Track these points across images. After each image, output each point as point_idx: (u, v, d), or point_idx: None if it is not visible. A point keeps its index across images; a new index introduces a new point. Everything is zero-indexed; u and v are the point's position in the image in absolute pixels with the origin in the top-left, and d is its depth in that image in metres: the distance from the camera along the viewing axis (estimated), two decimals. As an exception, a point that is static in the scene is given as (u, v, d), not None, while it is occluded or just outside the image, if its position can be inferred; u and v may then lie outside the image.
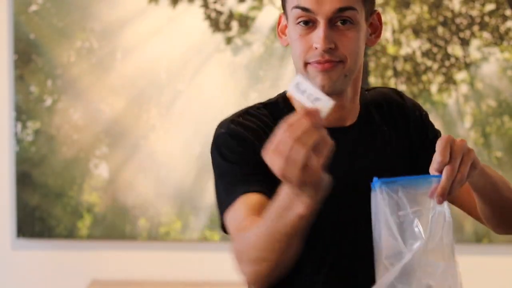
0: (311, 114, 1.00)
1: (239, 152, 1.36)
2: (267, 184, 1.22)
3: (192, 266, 2.89)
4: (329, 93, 1.20)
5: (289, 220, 1.07)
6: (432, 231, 1.19)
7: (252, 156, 1.31)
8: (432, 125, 1.55)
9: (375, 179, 1.22)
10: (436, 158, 1.20)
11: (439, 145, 1.21)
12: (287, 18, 1.41)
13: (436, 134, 1.53)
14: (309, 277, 1.35)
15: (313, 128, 0.99)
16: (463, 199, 1.47)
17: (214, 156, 1.41)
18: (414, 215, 1.20)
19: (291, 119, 1.01)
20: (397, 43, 2.83)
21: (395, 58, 2.82)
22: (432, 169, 1.21)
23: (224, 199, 1.32)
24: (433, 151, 1.27)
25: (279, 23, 1.47)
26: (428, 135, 1.52)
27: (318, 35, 1.33)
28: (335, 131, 1.24)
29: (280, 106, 1.44)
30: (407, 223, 1.20)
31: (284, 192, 1.08)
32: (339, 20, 1.34)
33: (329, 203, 1.16)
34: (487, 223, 1.47)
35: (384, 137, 1.47)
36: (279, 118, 1.36)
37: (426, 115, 1.55)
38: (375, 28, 1.44)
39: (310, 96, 1.00)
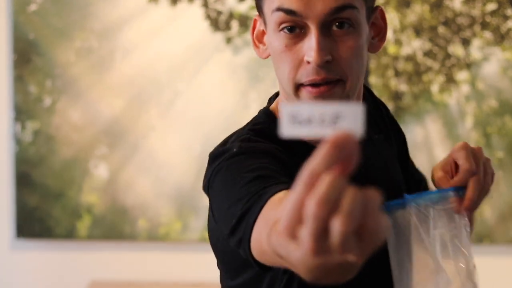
0: (340, 146, 0.58)
1: (263, 165, 1.02)
2: None
3: (192, 267, 2.88)
4: None
5: (339, 263, 0.66)
6: (470, 249, 1.08)
7: (281, 169, 1.03)
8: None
9: (406, 195, 1.05)
10: (464, 167, 1.05)
11: (460, 153, 1.06)
12: (265, 23, 1.11)
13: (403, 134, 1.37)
14: None
15: (342, 180, 0.58)
16: None
17: (221, 182, 1.06)
18: (451, 233, 1.06)
19: (312, 164, 0.59)
20: (398, 43, 2.81)
21: (396, 58, 2.81)
22: (456, 180, 1.06)
23: (248, 215, 0.96)
24: (405, 152, 1.15)
25: (253, 28, 1.16)
26: (401, 134, 1.35)
27: (310, 46, 1.04)
28: None
29: (272, 129, 1.11)
30: (442, 241, 1.06)
31: None
32: (335, 23, 1.05)
33: None
34: None
35: (381, 147, 1.25)
36: (280, 143, 1.08)
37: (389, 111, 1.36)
38: (379, 29, 1.15)
39: (324, 119, 0.61)
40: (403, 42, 2.81)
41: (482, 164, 1.08)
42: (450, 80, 2.80)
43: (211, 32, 2.84)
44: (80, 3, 2.85)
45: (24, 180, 2.87)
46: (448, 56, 2.81)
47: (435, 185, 1.12)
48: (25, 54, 2.86)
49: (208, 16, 2.84)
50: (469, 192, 1.05)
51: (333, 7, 1.03)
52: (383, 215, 0.58)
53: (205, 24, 2.84)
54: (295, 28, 1.05)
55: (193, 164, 2.85)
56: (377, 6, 1.14)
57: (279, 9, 1.05)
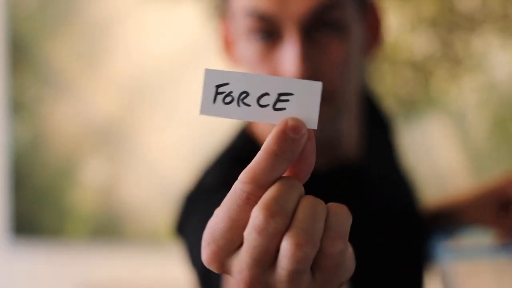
0: (291, 138, 0.43)
1: None
2: None
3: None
4: (319, 145, 0.86)
5: None
6: None
7: None
8: None
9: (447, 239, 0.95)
10: None
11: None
12: (234, 25, 0.93)
13: None
14: None
15: (295, 188, 0.43)
16: None
17: (199, 219, 0.75)
18: None
19: (252, 166, 0.44)
20: (401, 40, 2.78)
21: (397, 56, 2.79)
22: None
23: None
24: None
25: (223, 35, 0.98)
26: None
27: (289, 55, 0.84)
28: (350, 174, 0.91)
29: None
30: None
31: None
32: (318, 27, 0.86)
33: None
34: None
35: (386, 147, 1.12)
36: None
37: None
38: (373, 28, 0.94)
39: (265, 99, 0.45)
40: (405, 39, 2.78)
41: None
42: (456, 79, 2.79)
43: (210, 28, 2.82)
44: (76, 0, 2.85)
45: (18, 180, 2.87)
46: (454, 54, 2.79)
47: (468, 220, 1.01)
48: (20, 53, 2.89)
49: (207, 12, 2.83)
50: None
51: (315, 6, 0.83)
52: (347, 242, 0.43)
53: (203, 21, 2.83)
54: (270, 34, 0.86)
55: (192, 164, 2.83)
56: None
57: (249, 10, 0.86)
